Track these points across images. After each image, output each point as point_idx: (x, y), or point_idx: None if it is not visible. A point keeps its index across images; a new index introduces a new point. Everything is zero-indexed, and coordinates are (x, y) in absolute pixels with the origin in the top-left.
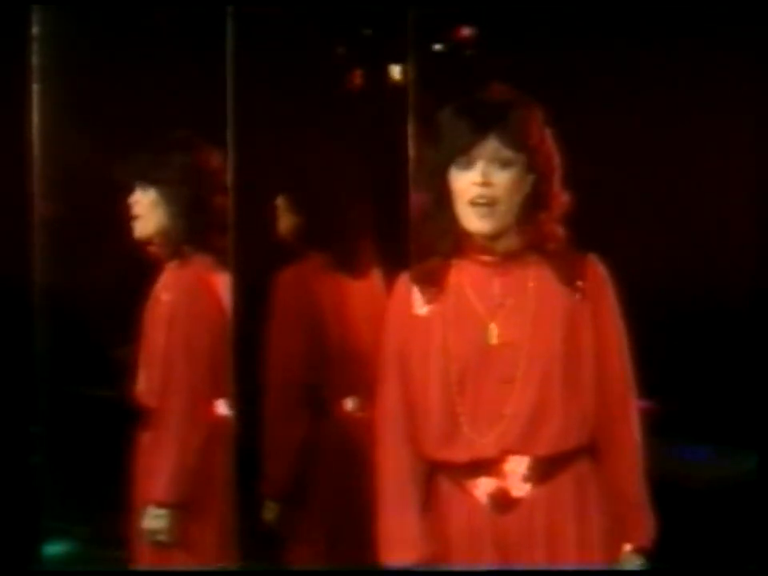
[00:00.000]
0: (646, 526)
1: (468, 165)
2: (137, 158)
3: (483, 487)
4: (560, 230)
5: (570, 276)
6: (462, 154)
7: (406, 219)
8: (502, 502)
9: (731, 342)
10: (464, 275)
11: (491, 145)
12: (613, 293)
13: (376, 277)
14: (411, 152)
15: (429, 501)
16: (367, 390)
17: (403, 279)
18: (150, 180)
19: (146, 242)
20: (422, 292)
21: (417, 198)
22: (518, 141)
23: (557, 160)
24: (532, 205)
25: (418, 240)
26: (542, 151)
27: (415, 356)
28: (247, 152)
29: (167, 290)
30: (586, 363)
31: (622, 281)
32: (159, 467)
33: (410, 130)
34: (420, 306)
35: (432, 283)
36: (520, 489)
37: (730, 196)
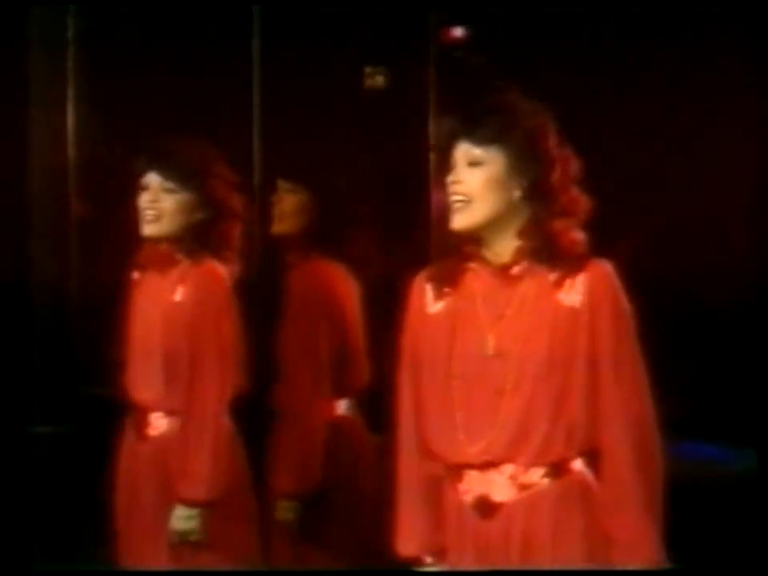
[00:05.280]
0: (638, 555)
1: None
2: (160, 158)
3: (469, 490)
4: (579, 237)
5: (570, 285)
6: (445, 157)
7: (427, 219)
8: (484, 506)
9: (732, 342)
10: (477, 281)
11: (464, 146)
12: (615, 300)
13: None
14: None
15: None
16: (361, 394)
17: (420, 277)
18: (173, 180)
19: (155, 241)
20: (434, 290)
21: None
22: (489, 140)
23: (561, 164)
24: (540, 211)
25: (439, 241)
26: (531, 154)
27: (425, 353)
28: (272, 150)
29: (181, 289)
30: (579, 375)
31: (625, 282)
32: (192, 466)
33: (431, 130)
34: (432, 304)
35: (444, 282)
36: (502, 495)
37: (733, 197)
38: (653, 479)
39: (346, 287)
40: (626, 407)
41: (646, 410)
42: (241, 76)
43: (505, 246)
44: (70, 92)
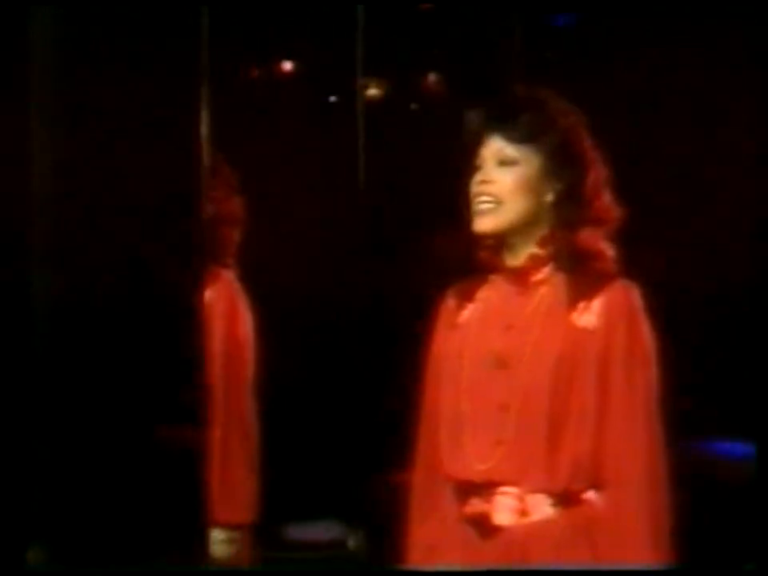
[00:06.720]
0: None
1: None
2: None
3: (471, 508)
4: (607, 250)
5: (587, 304)
6: (474, 157)
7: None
8: (483, 527)
9: (734, 339)
10: (494, 291)
11: (495, 143)
12: (632, 329)
13: None
14: None
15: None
16: None
17: (447, 292)
18: None
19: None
20: (456, 306)
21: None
22: (525, 138)
23: (595, 168)
24: (570, 217)
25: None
26: (568, 156)
27: (441, 366)
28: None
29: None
30: (586, 400)
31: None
32: (235, 485)
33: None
34: (453, 319)
35: (466, 296)
36: (503, 518)
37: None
38: (659, 518)
39: None
40: (634, 445)
41: (654, 448)
42: (344, 79)
43: (525, 253)
44: (73, 94)
